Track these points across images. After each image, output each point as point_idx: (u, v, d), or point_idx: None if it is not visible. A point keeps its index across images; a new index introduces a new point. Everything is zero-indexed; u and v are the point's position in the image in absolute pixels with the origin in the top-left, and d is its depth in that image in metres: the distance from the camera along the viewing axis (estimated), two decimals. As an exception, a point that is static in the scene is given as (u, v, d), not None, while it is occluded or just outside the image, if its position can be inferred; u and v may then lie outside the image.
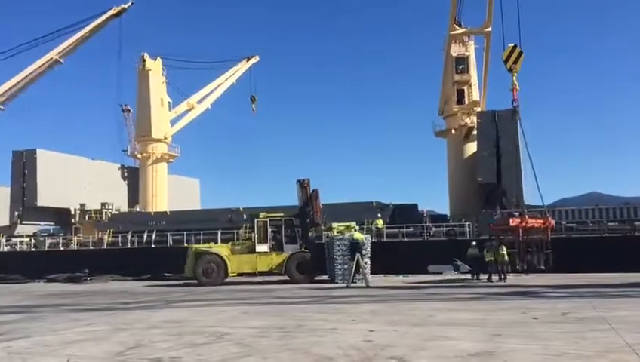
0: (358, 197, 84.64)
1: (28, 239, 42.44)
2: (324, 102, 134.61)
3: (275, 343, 9.36)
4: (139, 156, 54.67)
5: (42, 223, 49.04)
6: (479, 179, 40.31)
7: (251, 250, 26.57)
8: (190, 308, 15.95)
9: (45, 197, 48.45)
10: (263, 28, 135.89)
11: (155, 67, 54.88)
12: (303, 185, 27.47)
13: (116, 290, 24.81)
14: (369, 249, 25.30)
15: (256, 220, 27.00)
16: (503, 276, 24.31)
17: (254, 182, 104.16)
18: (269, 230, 26.50)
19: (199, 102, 58.86)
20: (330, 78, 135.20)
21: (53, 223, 49.36)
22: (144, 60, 54.22)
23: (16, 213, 48.68)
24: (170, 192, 55.21)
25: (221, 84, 59.85)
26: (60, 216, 49.46)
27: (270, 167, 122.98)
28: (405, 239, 32.96)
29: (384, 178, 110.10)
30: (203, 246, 28.55)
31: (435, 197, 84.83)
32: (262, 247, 26.25)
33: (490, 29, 44.27)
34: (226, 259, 26.20)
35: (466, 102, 46.72)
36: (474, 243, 27.01)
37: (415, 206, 38.74)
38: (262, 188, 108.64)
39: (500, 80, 48.78)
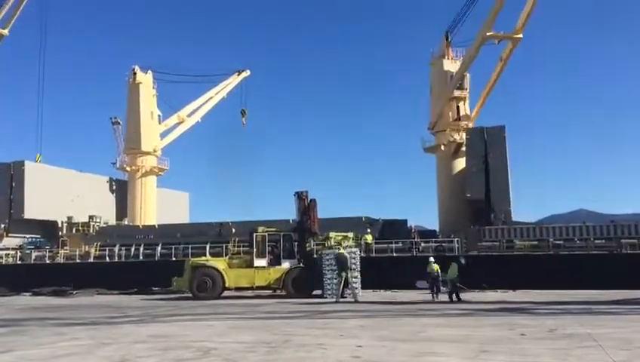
0: (347, 212, 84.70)
1: (14, 251, 41.95)
2: (313, 116, 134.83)
3: (262, 358, 9.30)
4: (128, 169, 54.39)
5: (28, 236, 48.52)
6: (468, 195, 40.52)
7: (249, 265, 26.12)
8: (177, 323, 15.81)
9: (32, 210, 47.99)
10: (253, 41, 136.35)
11: (145, 80, 54.82)
12: (301, 197, 27.09)
13: (102, 304, 24.54)
14: (359, 263, 25.20)
15: (254, 234, 26.39)
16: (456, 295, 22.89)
17: (244, 196, 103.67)
18: (267, 244, 26.18)
19: (189, 115, 58.74)
20: (318, 91, 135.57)
21: (39, 236, 48.85)
22: (135, 73, 54.16)
23: (2, 226, 48.16)
24: (159, 205, 54.88)
25: (212, 97, 59.82)
26: (47, 229, 48.95)
27: (260, 180, 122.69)
28: (394, 254, 32.96)
29: (374, 193, 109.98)
30: (200, 260, 27.96)
31: (424, 213, 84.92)
32: (260, 262, 25.79)
33: (521, 35, 43.41)
34: (223, 273, 25.74)
35: (461, 118, 46.93)
36: (432, 258, 25.40)
37: (405, 221, 38.78)
38: (252, 202, 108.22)
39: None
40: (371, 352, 9.82)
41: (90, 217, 47.68)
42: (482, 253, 32.79)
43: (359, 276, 24.81)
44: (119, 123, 57.36)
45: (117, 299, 28.63)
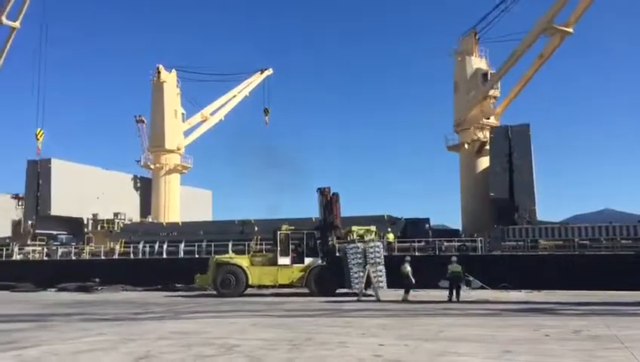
0: (369, 210, 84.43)
1: (40, 248, 42.74)
2: (335, 114, 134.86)
3: (285, 356, 9.33)
4: (152, 167, 55.00)
5: (55, 232, 49.38)
6: (491, 194, 40.10)
7: (272, 262, 26.30)
8: (200, 320, 15.94)
9: (58, 207, 48.85)
10: (275, 39, 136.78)
11: (169, 79, 55.37)
12: (323, 193, 27.15)
13: (126, 300, 24.87)
14: (382, 256, 24.82)
15: (278, 232, 26.62)
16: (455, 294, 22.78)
17: (266, 193, 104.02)
18: (291, 242, 26.30)
19: (213, 113, 59.23)
20: (341, 88, 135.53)
21: (65, 232, 49.68)
22: (159, 72, 54.74)
23: (30, 222, 49.10)
24: (182, 203, 55.41)
25: (235, 96, 60.24)
26: (73, 226, 49.79)
27: (282, 178, 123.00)
28: (416, 253, 32.78)
29: (396, 191, 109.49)
30: (224, 257, 28.09)
31: (448, 212, 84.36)
32: (283, 260, 25.99)
33: (571, 30, 41.24)
34: (246, 270, 25.98)
35: (490, 117, 46.31)
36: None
37: (427, 220, 38.56)
38: (274, 200, 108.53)
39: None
40: (393, 351, 9.78)
41: (115, 214, 48.35)
42: (506, 252, 32.45)
43: (384, 269, 24.48)
44: (144, 121, 58.06)
45: (141, 295, 28.99)
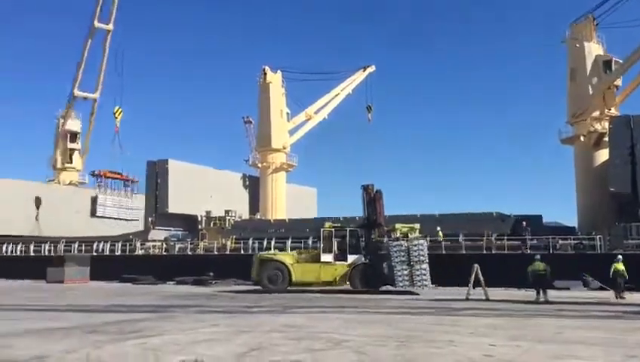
0: (479, 207, 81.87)
1: (160, 244, 45.52)
2: (440, 111, 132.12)
3: (393, 352, 9.29)
4: (259, 166, 56.85)
5: (172, 229, 52.42)
6: (611, 189, 37.45)
7: (316, 260, 26.56)
8: (306, 314, 16.24)
9: (175, 204, 51.81)
10: (378, 38, 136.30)
11: (275, 80, 56.94)
12: (367, 190, 27.22)
13: (238, 294, 25.85)
14: (426, 254, 24.69)
15: (322, 230, 27.11)
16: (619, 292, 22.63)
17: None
18: (334, 240, 26.49)
19: (316, 112, 60.19)
20: (446, 85, 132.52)
21: (182, 229, 52.58)
22: (265, 73, 56.48)
23: (150, 219, 52.48)
24: (288, 201, 56.81)
25: (338, 94, 60.84)
26: (188, 223, 52.57)
27: (385, 175, 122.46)
28: (529, 252, 31.35)
29: (507, 188, 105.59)
30: (268, 254, 29.05)
31: (561, 208, 79.97)
32: (326, 257, 26.19)
33: None
34: (290, 267, 26.29)
35: (612, 107, 43.41)
36: (538, 256, 23.53)
37: (539, 217, 36.80)
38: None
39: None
40: (505, 351, 9.43)
41: (226, 212, 50.45)
42: (629, 251, 30.19)
43: (428, 268, 24.43)
44: (251, 122, 60.18)
45: (252, 289, 30.02)
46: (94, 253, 43.06)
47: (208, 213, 51.16)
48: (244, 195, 59.50)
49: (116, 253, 43.66)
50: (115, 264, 40.79)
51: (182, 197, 51.83)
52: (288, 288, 26.18)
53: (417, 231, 26.37)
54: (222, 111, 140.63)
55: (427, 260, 24.58)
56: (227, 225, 48.72)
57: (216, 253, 41.37)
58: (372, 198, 26.92)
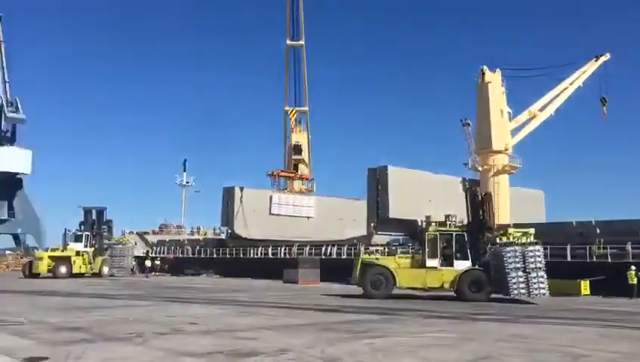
0: None
1: (382, 248, 46.79)
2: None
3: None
4: (479, 169, 55.23)
5: (393, 234, 53.49)
6: None
7: (420, 265, 25.08)
8: (536, 324, 15.26)
9: (395, 210, 52.83)
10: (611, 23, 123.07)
11: (494, 79, 54.94)
12: (472, 191, 26.03)
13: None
14: (541, 259, 22.97)
15: (426, 234, 25.77)
16: None
17: (610, 192, 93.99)
18: (439, 245, 24.93)
19: (541, 109, 56.57)
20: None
21: (402, 234, 53.37)
22: (483, 73, 54.81)
23: (372, 224, 54.29)
24: (511, 204, 54.21)
25: (565, 88, 56.46)
26: (408, 227, 53.12)
27: (624, 173, 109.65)
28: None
29: None
30: (370, 258, 28.29)
31: None
32: (432, 262, 24.69)
33: None
34: (393, 271, 25.03)
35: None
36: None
37: None
38: (616, 198, 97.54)
39: None
40: None
41: (446, 216, 49.88)
42: None
43: (545, 275, 22.75)
44: (469, 124, 58.82)
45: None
46: (322, 256, 45.93)
47: (428, 217, 51.12)
48: (464, 200, 58.25)
49: (342, 256, 46.00)
50: (341, 266, 43.01)
51: (402, 203, 52.62)
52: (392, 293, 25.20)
53: (531, 236, 24.13)
54: (438, 113, 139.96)
55: (544, 267, 22.89)
56: (448, 229, 48.12)
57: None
58: (480, 200, 25.51)
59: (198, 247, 58.59)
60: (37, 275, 42.62)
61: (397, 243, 48.80)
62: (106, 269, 46.30)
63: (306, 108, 71.38)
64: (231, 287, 33.01)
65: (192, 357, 9.15)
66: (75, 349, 9.70)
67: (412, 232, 52.09)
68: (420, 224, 51.69)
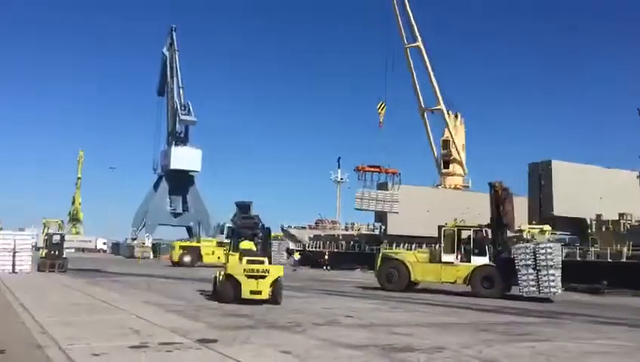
0: None
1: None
2: None
3: None
4: (661, 162, 49.71)
5: (558, 232, 50.15)
6: None
7: (437, 259, 25.07)
8: None
9: (560, 207, 49.48)
10: None
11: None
12: (494, 188, 25.02)
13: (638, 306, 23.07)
14: (553, 257, 22.41)
15: (443, 229, 25.60)
16: None
17: None
18: (456, 240, 24.76)
19: None
20: None
21: (568, 233, 49.88)
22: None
23: (534, 222, 51.38)
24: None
25: None
26: (575, 226, 49.53)
27: None
28: None
29: None
30: (390, 252, 29.01)
31: None
32: (447, 257, 24.66)
33: None
34: (409, 265, 25.20)
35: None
36: None
37: None
38: None
39: None
40: None
41: (620, 215, 45.79)
42: None
43: (557, 274, 22.25)
44: (648, 113, 53.15)
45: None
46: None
47: (599, 216, 47.23)
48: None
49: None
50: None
51: (568, 200, 49.15)
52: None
53: (548, 233, 23.75)
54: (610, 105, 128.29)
55: (559, 265, 22.43)
56: (622, 229, 44.08)
57: (610, 260, 37.82)
58: (499, 197, 24.79)
59: (352, 242, 59.73)
60: (178, 263, 47.09)
61: (562, 243, 45.70)
62: None
63: (440, 106, 69.73)
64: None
65: (348, 348, 9.41)
66: (241, 334, 10.46)
67: (579, 231, 48.44)
68: (589, 223, 47.96)
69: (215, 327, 11.36)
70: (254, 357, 8.49)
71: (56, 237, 32.28)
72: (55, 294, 18.77)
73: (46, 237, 34.21)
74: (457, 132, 73.95)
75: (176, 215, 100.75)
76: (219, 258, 47.41)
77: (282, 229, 73.39)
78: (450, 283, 24.93)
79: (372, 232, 66.02)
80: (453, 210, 59.55)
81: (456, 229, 25.34)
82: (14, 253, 27.62)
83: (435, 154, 74.08)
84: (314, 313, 14.87)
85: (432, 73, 68.94)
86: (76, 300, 16.54)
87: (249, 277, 16.06)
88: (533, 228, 25.58)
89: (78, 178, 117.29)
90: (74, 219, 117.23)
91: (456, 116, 74.18)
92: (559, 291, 22.56)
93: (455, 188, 70.95)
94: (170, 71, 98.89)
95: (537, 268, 22.33)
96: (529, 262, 22.58)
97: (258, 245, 18.13)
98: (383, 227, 60.20)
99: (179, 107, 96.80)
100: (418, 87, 70.05)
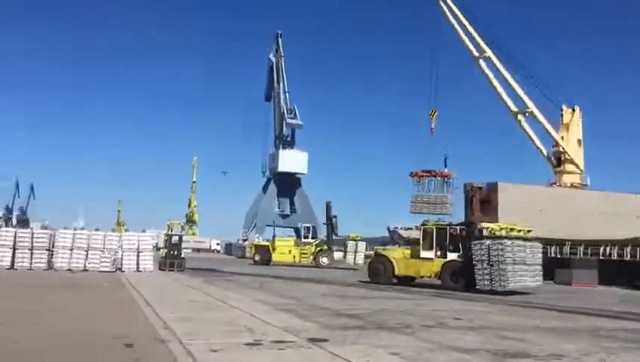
0: None
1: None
2: None
3: None
4: None
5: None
6: None
7: (417, 256, 27.43)
8: None
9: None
10: None
11: None
12: (467, 188, 28.17)
13: None
14: (504, 253, 23.18)
15: (422, 227, 28.28)
16: None
17: None
18: (435, 238, 26.75)
19: None
20: None
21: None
22: None
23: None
24: None
25: None
26: None
27: None
28: None
29: None
30: (379, 249, 33.24)
31: None
32: (426, 253, 26.93)
33: None
34: (393, 261, 27.90)
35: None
36: None
37: None
38: None
39: None
40: None
41: None
42: None
43: (509, 269, 23.04)
44: None
45: None
46: (601, 257, 41.68)
47: None
48: None
49: (625, 258, 41.12)
50: (625, 268, 38.57)
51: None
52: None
53: (521, 231, 25.60)
54: None
55: (511, 260, 23.27)
56: None
57: None
58: (470, 199, 27.57)
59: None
60: (256, 262, 49.85)
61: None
62: (324, 260, 49.97)
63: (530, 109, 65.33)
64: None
65: (459, 351, 9.23)
66: (350, 334, 10.58)
67: None
68: None
69: (325, 327, 11.56)
70: (364, 358, 8.55)
71: (175, 238, 34.24)
72: (175, 291, 19.98)
73: (166, 238, 36.53)
74: (571, 128, 69.49)
75: (284, 216, 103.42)
76: (294, 257, 50.25)
77: (389, 230, 73.02)
78: (427, 277, 27.08)
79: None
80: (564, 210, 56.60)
81: (435, 228, 27.43)
82: (138, 252, 29.60)
83: (545, 152, 70.04)
84: (422, 314, 14.73)
85: (508, 77, 64.81)
86: (194, 297, 17.49)
87: None
88: (498, 226, 25.94)
89: (193, 182, 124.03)
90: (190, 220, 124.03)
91: (573, 110, 69.73)
92: (509, 286, 23.13)
93: (572, 186, 66.83)
94: (276, 76, 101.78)
95: (490, 263, 23.38)
96: (484, 258, 23.69)
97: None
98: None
99: (285, 111, 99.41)
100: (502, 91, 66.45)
